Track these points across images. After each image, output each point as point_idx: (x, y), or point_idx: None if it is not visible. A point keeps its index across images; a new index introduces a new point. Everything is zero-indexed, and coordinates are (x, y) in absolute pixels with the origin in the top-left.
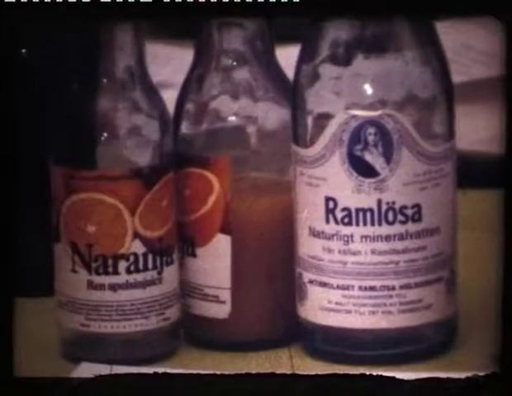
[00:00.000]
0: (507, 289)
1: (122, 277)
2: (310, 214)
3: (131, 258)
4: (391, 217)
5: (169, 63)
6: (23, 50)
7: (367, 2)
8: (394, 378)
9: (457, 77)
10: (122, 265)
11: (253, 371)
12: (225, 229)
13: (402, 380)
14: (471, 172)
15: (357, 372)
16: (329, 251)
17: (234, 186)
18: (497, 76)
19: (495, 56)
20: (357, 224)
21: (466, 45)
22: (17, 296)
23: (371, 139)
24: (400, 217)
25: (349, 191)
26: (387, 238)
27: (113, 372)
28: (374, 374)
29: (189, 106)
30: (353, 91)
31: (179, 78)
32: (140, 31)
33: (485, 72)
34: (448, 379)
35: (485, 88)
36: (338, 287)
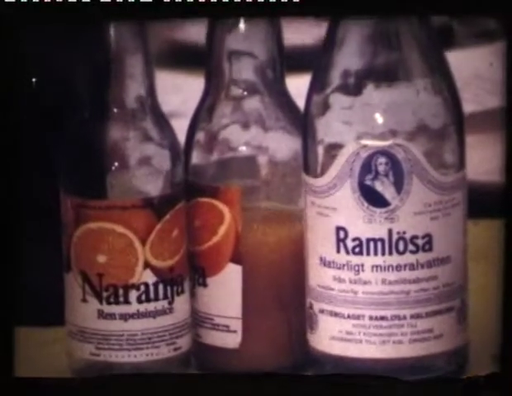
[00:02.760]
0: (507, 289)
1: (133, 307)
2: (320, 243)
3: (142, 288)
4: (401, 247)
5: (179, 93)
6: (33, 79)
7: (367, 2)
8: (394, 378)
9: (468, 107)
10: (133, 294)
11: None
12: (235, 259)
13: (402, 380)
14: (483, 201)
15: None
16: (340, 280)
17: (245, 216)
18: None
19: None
20: (368, 254)
21: (477, 75)
22: (27, 325)
23: (381, 168)
24: (410, 247)
25: (360, 221)
26: (398, 267)
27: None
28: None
29: (200, 136)
30: (363, 120)
31: (190, 108)
32: (151, 60)
33: (498, 101)
34: (448, 379)
35: (497, 118)
36: (348, 317)
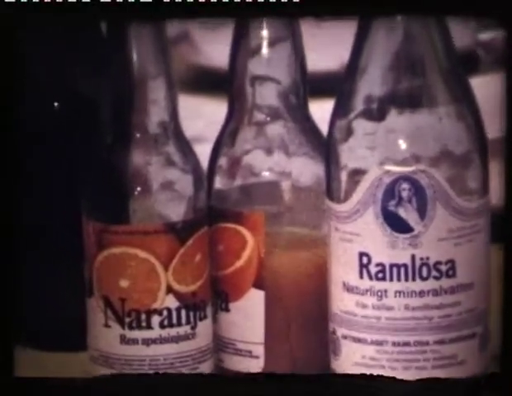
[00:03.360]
0: (507, 290)
1: (155, 332)
2: (343, 269)
3: (165, 313)
4: (425, 272)
5: (202, 117)
6: (55, 103)
7: (367, 2)
8: (394, 378)
9: (493, 133)
10: (155, 319)
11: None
12: (258, 284)
13: (402, 380)
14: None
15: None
16: (363, 306)
17: (268, 241)
18: None
19: None
20: (391, 280)
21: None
22: (50, 351)
23: (405, 194)
24: (434, 272)
25: (383, 247)
26: (421, 293)
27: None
28: (374, 374)
29: (222, 161)
30: (386, 146)
31: (212, 132)
32: (174, 85)
33: None
34: (448, 379)
35: None
36: (371, 342)
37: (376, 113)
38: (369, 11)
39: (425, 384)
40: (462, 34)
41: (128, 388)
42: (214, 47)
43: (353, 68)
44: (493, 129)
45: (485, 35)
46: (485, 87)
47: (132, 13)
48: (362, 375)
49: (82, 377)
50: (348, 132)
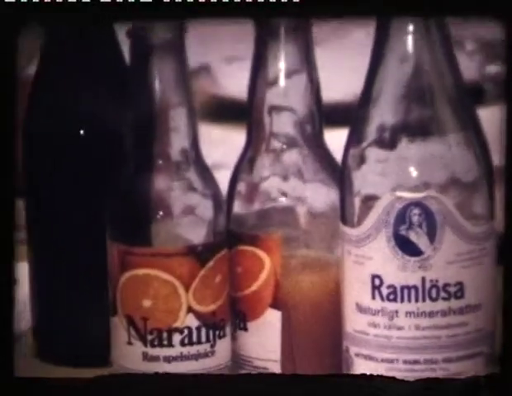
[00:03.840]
0: (507, 290)
1: (176, 350)
2: (356, 290)
3: (185, 331)
4: (434, 294)
5: (222, 145)
6: (81, 131)
7: (367, 3)
8: (394, 378)
9: (500, 160)
10: (176, 338)
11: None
12: (275, 304)
13: (402, 380)
14: None
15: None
16: (375, 326)
17: (284, 264)
18: None
19: None
20: (402, 301)
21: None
22: (75, 367)
23: (415, 219)
24: (443, 294)
25: (395, 269)
26: (431, 314)
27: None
28: (374, 374)
29: (241, 187)
30: (398, 173)
31: (231, 159)
32: (194, 114)
33: None
34: (448, 380)
35: None
36: (383, 361)
37: (387, 141)
38: (369, 11)
39: (425, 384)
40: (469, 66)
41: (128, 388)
42: (233, 79)
43: (366, 98)
44: (497, 157)
45: (491, 68)
46: (491, 118)
47: (132, 13)
48: (362, 375)
49: (82, 377)
50: (361, 160)
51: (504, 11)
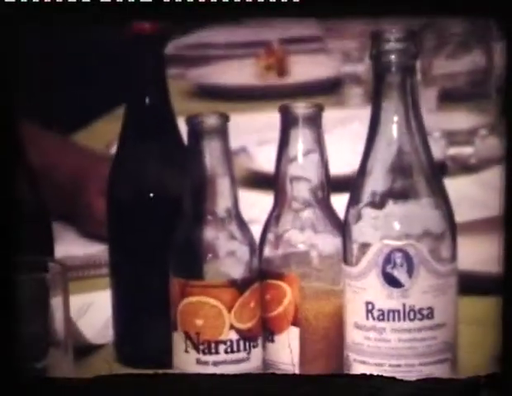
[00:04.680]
0: (507, 290)
1: (221, 356)
2: (354, 313)
3: (228, 343)
4: (412, 316)
5: (256, 206)
6: (151, 194)
7: (366, 4)
8: (394, 378)
9: (461, 217)
10: (221, 347)
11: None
12: (294, 323)
13: (402, 380)
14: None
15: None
16: (368, 339)
17: (302, 293)
18: (490, 217)
19: (492, 201)
20: (388, 321)
21: (465, 196)
22: (147, 368)
23: (398, 261)
24: (418, 316)
25: (383, 297)
26: (409, 330)
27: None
28: (377, 372)
29: (270, 236)
30: (385, 227)
31: (263, 216)
32: (235, 182)
33: (483, 213)
34: (448, 379)
35: (483, 224)
36: (374, 365)
37: (378, 203)
38: (369, 12)
39: (425, 384)
40: (436, 148)
41: (128, 388)
42: (264, 157)
43: (362, 171)
44: (460, 215)
45: (452, 150)
46: (454, 186)
47: (132, 13)
48: (362, 375)
49: (82, 377)
50: (358, 217)
51: (504, 11)
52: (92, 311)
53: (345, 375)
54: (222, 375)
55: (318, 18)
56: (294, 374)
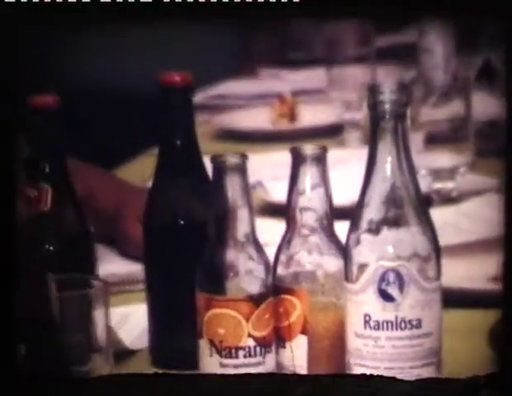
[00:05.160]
0: (507, 290)
1: (241, 360)
2: (354, 323)
3: (246, 349)
4: (403, 326)
5: (270, 231)
6: (181, 222)
7: (366, 2)
8: (394, 378)
9: (444, 242)
10: (241, 353)
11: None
12: (303, 332)
13: (402, 380)
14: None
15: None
16: (366, 346)
17: (310, 306)
18: (470, 241)
19: (471, 228)
20: (383, 330)
21: (446, 223)
22: (177, 369)
23: (391, 279)
24: (408, 326)
25: (378, 310)
26: (401, 338)
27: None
28: (374, 374)
29: (282, 257)
30: (381, 250)
31: (276, 240)
32: (253, 211)
33: (464, 238)
34: (448, 379)
35: (464, 248)
36: (372, 368)
37: (374, 230)
38: (369, 12)
39: (425, 383)
40: (423, 184)
41: (128, 388)
42: (277, 190)
43: (360, 203)
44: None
45: (437, 185)
46: (438, 216)
47: (132, 13)
48: (362, 375)
49: (82, 377)
50: (358, 241)
51: (504, 11)
52: (130, 321)
53: (346, 375)
54: (223, 375)
55: (318, 18)
56: (294, 374)
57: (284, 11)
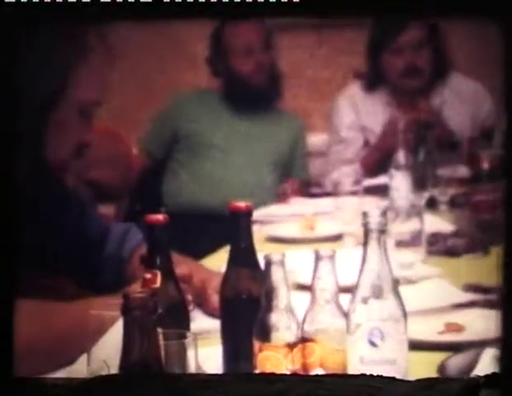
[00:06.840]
0: (506, 291)
1: None
2: (352, 361)
3: None
4: (383, 362)
5: (300, 302)
6: (243, 296)
7: (366, 2)
8: (394, 378)
9: (408, 308)
10: None
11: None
12: (321, 366)
13: (402, 380)
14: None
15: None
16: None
17: (325, 350)
18: (426, 308)
19: (427, 300)
20: (371, 365)
21: (412, 297)
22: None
23: (376, 333)
24: (387, 363)
25: (368, 353)
26: (382, 371)
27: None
28: (374, 374)
29: (307, 319)
30: (369, 314)
31: (304, 307)
32: (290, 288)
33: (422, 306)
34: (448, 379)
35: (423, 312)
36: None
37: (365, 301)
38: (369, 11)
39: (425, 383)
40: (395, 271)
41: (127, 387)
42: (304, 275)
43: (356, 284)
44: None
45: (403, 272)
46: (403, 292)
47: (132, 13)
48: (362, 375)
49: (82, 377)
50: (354, 309)
51: (504, 11)
52: (210, 360)
53: (346, 375)
54: (223, 375)
55: (318, 18)
56: (294, 374)
57: (284, 12)
